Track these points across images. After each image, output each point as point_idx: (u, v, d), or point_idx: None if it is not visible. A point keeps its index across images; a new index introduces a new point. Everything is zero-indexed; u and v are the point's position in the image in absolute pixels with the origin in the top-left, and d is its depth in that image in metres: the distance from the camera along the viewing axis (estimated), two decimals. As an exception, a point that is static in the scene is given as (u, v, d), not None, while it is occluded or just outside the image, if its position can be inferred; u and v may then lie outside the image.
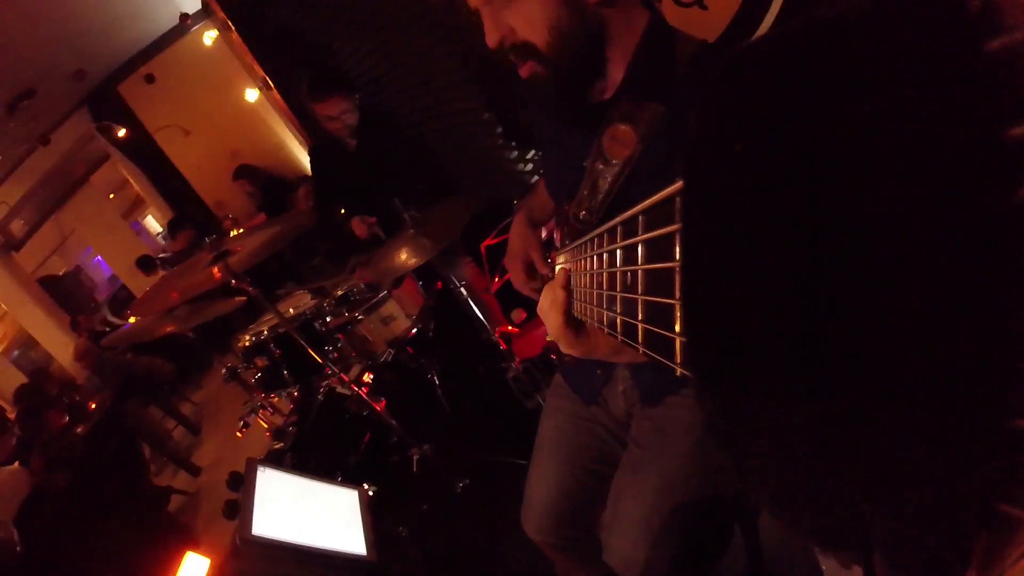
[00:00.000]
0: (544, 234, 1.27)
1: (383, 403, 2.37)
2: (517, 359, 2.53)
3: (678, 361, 0.33)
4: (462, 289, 2.51)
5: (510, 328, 2.68)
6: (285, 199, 5.94)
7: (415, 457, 2.45)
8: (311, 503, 1.41)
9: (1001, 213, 0.16)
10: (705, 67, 0.91)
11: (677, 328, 0.32)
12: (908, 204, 0.18)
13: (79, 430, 3.41)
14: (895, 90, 0.19)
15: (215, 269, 1.69)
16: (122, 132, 6.07)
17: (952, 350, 0.18)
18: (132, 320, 6.68)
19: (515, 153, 2.70)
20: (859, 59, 0.20)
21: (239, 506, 1.21)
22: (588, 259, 0.59)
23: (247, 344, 2.29)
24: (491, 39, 0.94)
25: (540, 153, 1.48)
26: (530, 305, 2.65)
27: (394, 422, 2.34)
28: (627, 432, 1.33)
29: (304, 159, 6.74)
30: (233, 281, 1.68)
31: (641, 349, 0.40)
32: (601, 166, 0.86)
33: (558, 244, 1.15)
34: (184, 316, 2.16)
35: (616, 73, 0.97)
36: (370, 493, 2.38)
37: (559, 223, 1.14)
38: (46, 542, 2.78)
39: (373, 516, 1.47)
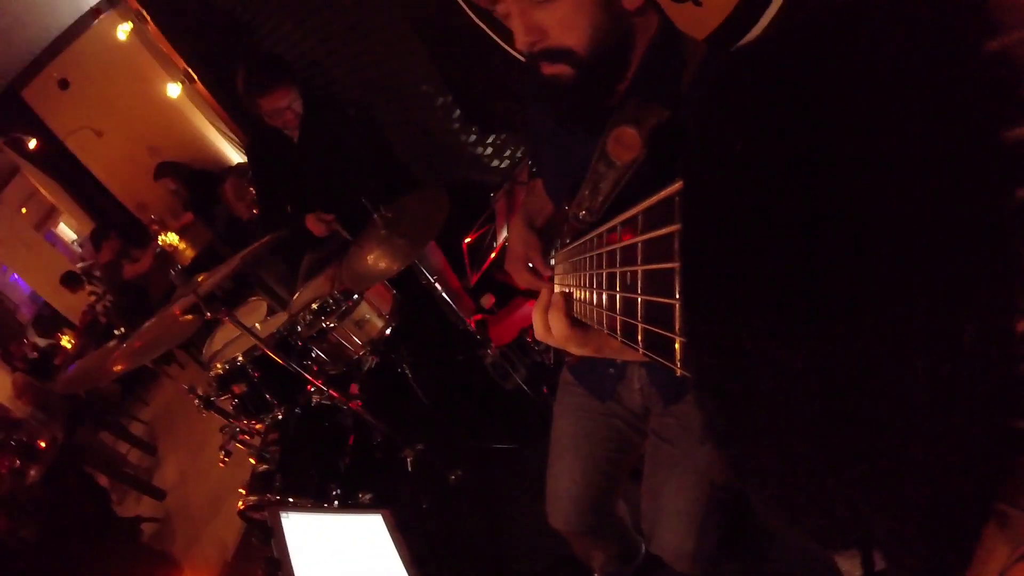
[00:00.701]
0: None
1: (359, 404, 2.31)
2: (494, 345, 2.52)
3: (678, 361, 0.33)
4: (435, 282, 2.44)
5: (483, 315, 2.65)
6: (212, 194, 5.64)
7: (409, 459, 2.41)
8: (341, 539, 1.39)
9: (1001, 213, 0.16)
10: (709, 72, 0.92)
11: (677, 328, 0.32)
12: (908, 204, 0.18)
13: (33, 472, 3.18)
14: (894, 90, 0.19)
15: (181, 308, 1.56)
16: (32, 144, 5.58)
17: (952, 350, 0.18)
18: (64, 341, 6.34)
19: (474, 137, 2.62)
20: (858, 59, 0.20)
21: (277, 562, 1.16)
22: (588, 259, 0.59)
23: (221, 372, 2.15)
24: (522, 41, 0.90)
25: (536, 152, 1.45)
26: (499, 291, 2.63)
27: (376, 423, 2.29)
28: (644, 422, 1.40)
29: (227, 149, 6.42)
30: (208, 314, 1.56)
31: (641, 350, 0.40)
32: (604, 167, 0.84)
33: (558, 244, 1.13)
34: (138, 352, 1.98)
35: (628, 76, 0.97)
36: (367, 499, 2.36)
37: (558, 223, 1.12)
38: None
39: (404, 535, 1.45)
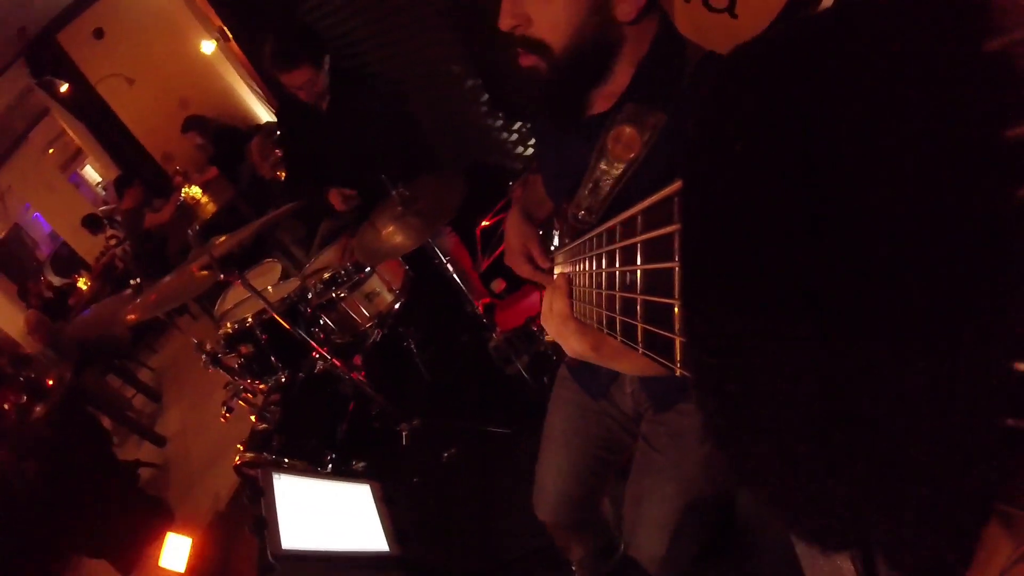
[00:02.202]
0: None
1: (363, 374, 2.34)
2: (499, 330, 2.53)
3: (678, 361, 0.33)
4: (447, 263, 2.46)
5: (492, 299, 2.66)
6: (238, 151, 5.65)
7: (404, 432, 2.45)
8: (328, 505, 1.42)
9: (1001, 213, 0.16)
10: (706, 73, 0.91)
11: (677, 328, 0.32)
12: (908, 204, 0.18)
13: (38, 409, 3.24)
14: (895, 90, 0.19)
15: (198, 266, 1.59)
16: (64, 87, 5.61)
17: (953, 350, 0.18)
18: (81, 283, 6.43)
19: (500, 122, 2.61)
20: (859, 59, 0.20)
21: (264, 521, 1.18)
22: (587, 259, 0.59)
23: (230, 331, 2.19)
24: (504, 22, 0.90)
25: (537, 151, 1.46)
26: (510, 276, 2.64)
27: (377, 394, 2.32)
28: (636, 425, 1.39)
29: (257, 108, 6.43)
30: (222, 276, 1.59)
31: (641, 349, 0.40)
32: (603, 167, 0.85)
33: (557, 241, 1.14)
34: (153, 304, 2.02)
35: (621, 81, 0.95)
36: (360, 467, 2.40)
37: (558, 222, 1.13)
38: (21, 533, 2.69)
39: (388, 508, 1.47)
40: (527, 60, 0.92)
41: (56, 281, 7.30)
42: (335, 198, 2.54)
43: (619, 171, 0.82)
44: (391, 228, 2.09)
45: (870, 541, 0.22)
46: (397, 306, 2.49)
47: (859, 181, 0.19)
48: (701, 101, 0.27)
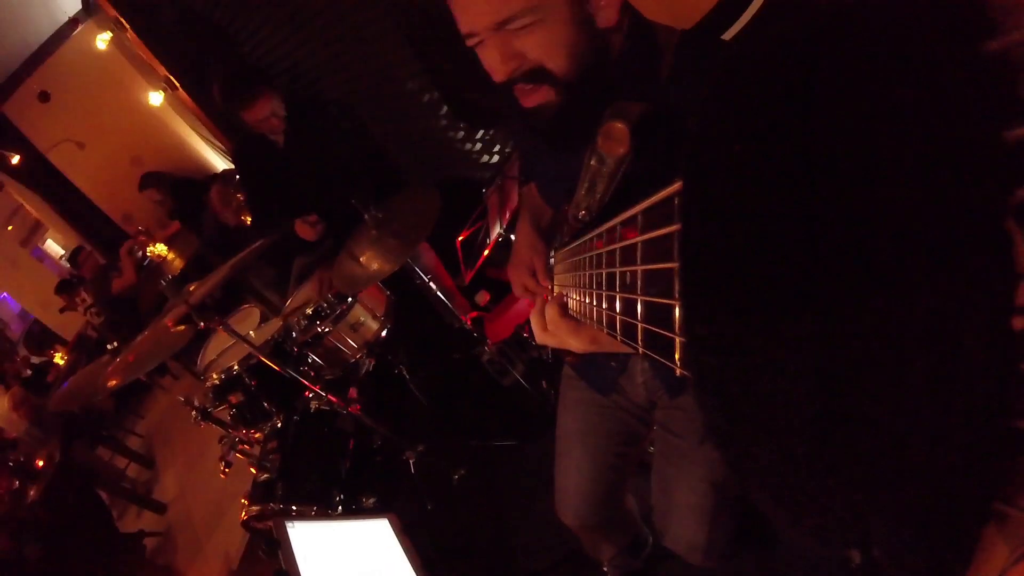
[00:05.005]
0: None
1: (358, 408, 2.29)
2: (490, 342, 2.51)
3: (678, 361, 0.33)
4: (429, 282, 2.42)
5: (479, 313, 2.64)
6: (198, 201, 5.58)
7: (411, 460, 2.40)
8: (348, 545, 1.37)
9: (1001, 213, 0.16)
10: (687, 58, 0.91)
11: (676, 328, 0.33)
12: (908, 205, 0.18)
13: (32, 492, 3.14)
14: (895, 90, 0.18)
15: (173, 319, 1.53)
16: (15, 159, 5.51)
17: (953, 350, 0.18)
18: (57, 357, 6.27)
19: (462, 133, 2.60)
20: (859, 59, 0.20)
21: (287, 574, 1.13)
22: (587, 259, 0.59)
23: (217, 382, 2.12)
24: (501, 72, 0.87)
25: (524, 160, 1.45)
26: (494, 287, 2.62)
27: (376, 426, 2.28)
28: (650, 414, 1.38)
29: (211, 156, 6.36)
30: (201, 324, 1.53)
31: (641, 349, 0.40)
32: (597, 165, 0.84)
33: (557, 244, 1.13)
34: (131, 365, 1.94)
35: None
36: (371, 503, 2.35)
37: (559, 223, 1.12)
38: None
39: (411, 539, 1.43)
40: (532, 99, 0.90)
41: (32, 359, 7.11)
42: (302, 229, 2.50)
43: (613, 167, 0.82)
44: (368, 253, 2.05)
45: (870, 541, 0.22)
46: (384, 333, 2.44)
47: (858, 181, 0.19)
48: (701, 100, 0.27)
